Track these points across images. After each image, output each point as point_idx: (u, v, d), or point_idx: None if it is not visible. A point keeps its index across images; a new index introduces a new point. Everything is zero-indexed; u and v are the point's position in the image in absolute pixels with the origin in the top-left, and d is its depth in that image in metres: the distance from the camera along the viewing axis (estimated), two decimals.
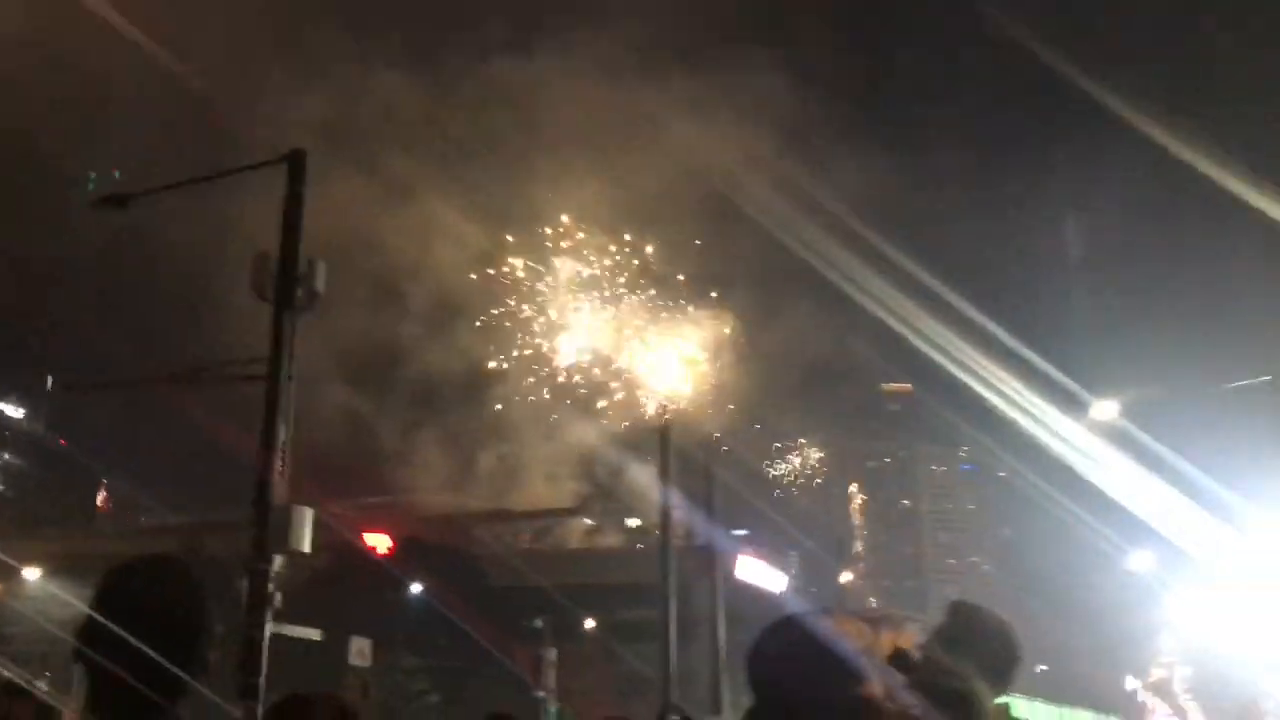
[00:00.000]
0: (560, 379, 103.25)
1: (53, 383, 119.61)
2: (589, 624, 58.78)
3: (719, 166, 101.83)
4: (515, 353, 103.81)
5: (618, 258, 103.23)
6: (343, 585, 50.55)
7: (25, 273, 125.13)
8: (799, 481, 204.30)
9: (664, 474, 30.16)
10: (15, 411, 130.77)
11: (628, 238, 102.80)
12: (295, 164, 16.42)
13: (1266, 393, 25.94)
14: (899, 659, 3.19)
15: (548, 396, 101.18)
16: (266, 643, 14.35)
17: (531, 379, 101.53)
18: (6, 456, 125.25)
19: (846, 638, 2.38)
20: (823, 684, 2.29)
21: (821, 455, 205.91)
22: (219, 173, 18.00)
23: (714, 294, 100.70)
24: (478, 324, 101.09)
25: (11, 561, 50.13)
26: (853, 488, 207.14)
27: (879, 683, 2.39)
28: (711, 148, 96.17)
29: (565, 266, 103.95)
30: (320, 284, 16.15)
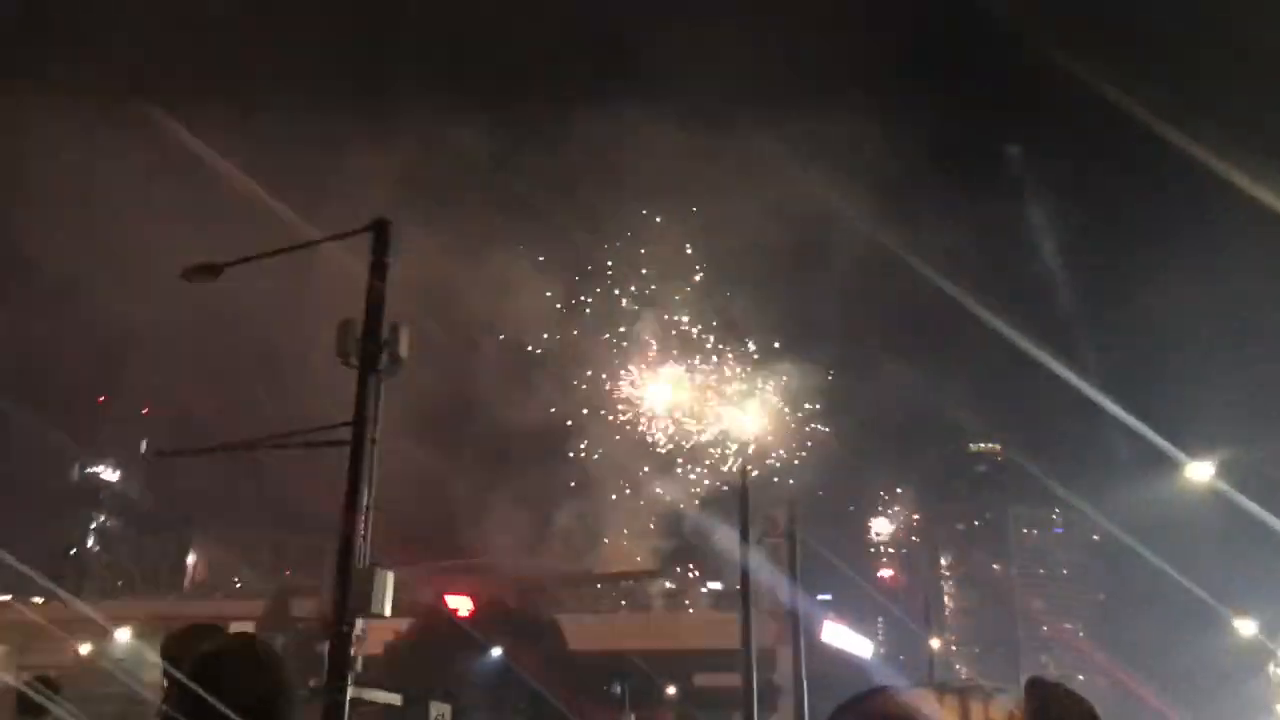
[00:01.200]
0: (645, 434, 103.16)
1: (147, 447, 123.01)
2: (669, 690, 58.05)
3: (810, 219, 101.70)
4: (601, 411, 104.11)
5: (704, 313, 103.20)
6: (423, 647, 50.66)
7: (120, 342, 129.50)
8: (889, 544, 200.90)
9: (744, 532, 29.77)
10: (111, 475, 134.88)
11: (713, 293, 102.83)
12: (380, 233, 16.75)
13: None
14: None
15: (630, 452, 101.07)
16: (347, 707, 14.38)
17: (617, 435, 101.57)
18: (104, 519, 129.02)
19: (925, 714, 2.27)
20: None
21: (912, 517, 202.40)
22: (307, 242, 18.41)
23: (802, 351, 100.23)
24: (573, 380, 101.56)
25: (103, 621, 51.27)
26: (942, 551, 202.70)
27: None
28: (802, 201, 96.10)
29: (649, 322, 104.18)
30: (404, 349, 16.35)
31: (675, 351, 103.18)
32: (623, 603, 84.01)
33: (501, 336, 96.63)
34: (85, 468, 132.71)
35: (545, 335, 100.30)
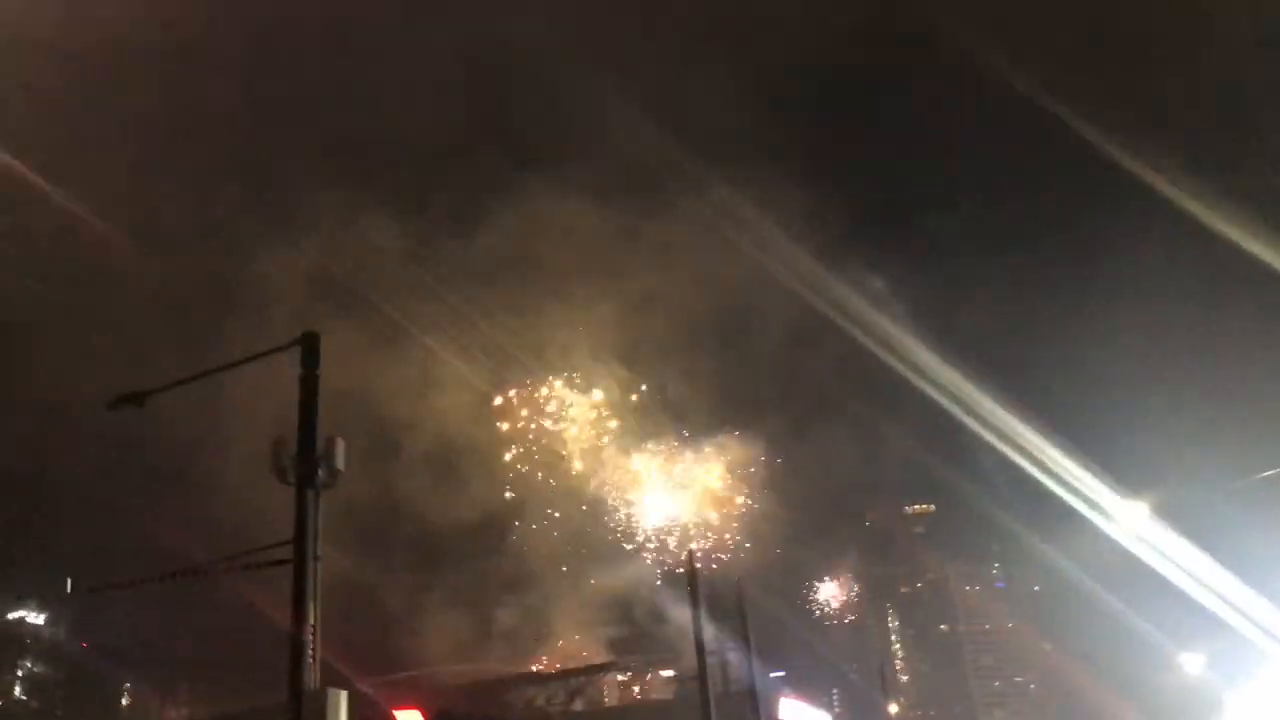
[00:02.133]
0: (584, 523, 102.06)
1: (72, 586, 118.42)
2: None
3: (735, 289, 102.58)
4: (541, 493, 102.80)
5: (633, 397, 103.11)
6: None
7: (34, 477, 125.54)
8: (835, 614, 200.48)
9: (695, 608, 29.61)
10: (36, 618, 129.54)
11: (640, 380, 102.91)
12: (309, 346, 16.64)
13: None
14: None
15: (572, 539, 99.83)
16: None
17: (554, 532, 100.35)
18: (30, 665, 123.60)
19: None
20: None
21: (854, 587, 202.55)
22: (234, 362, 18.18)
23: (735, 432, 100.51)
24: (508, 462, 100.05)
25: None
26: (889, 615, 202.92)
27: None
28: (727, 272, 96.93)
29: (580, 407, 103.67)
30: (340, 461, 16.15)
31: (613, 435, 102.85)
32: (576, 699, 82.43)
33: (428, 435, 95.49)
34: (6, 613, 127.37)
35: (475, 425, 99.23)
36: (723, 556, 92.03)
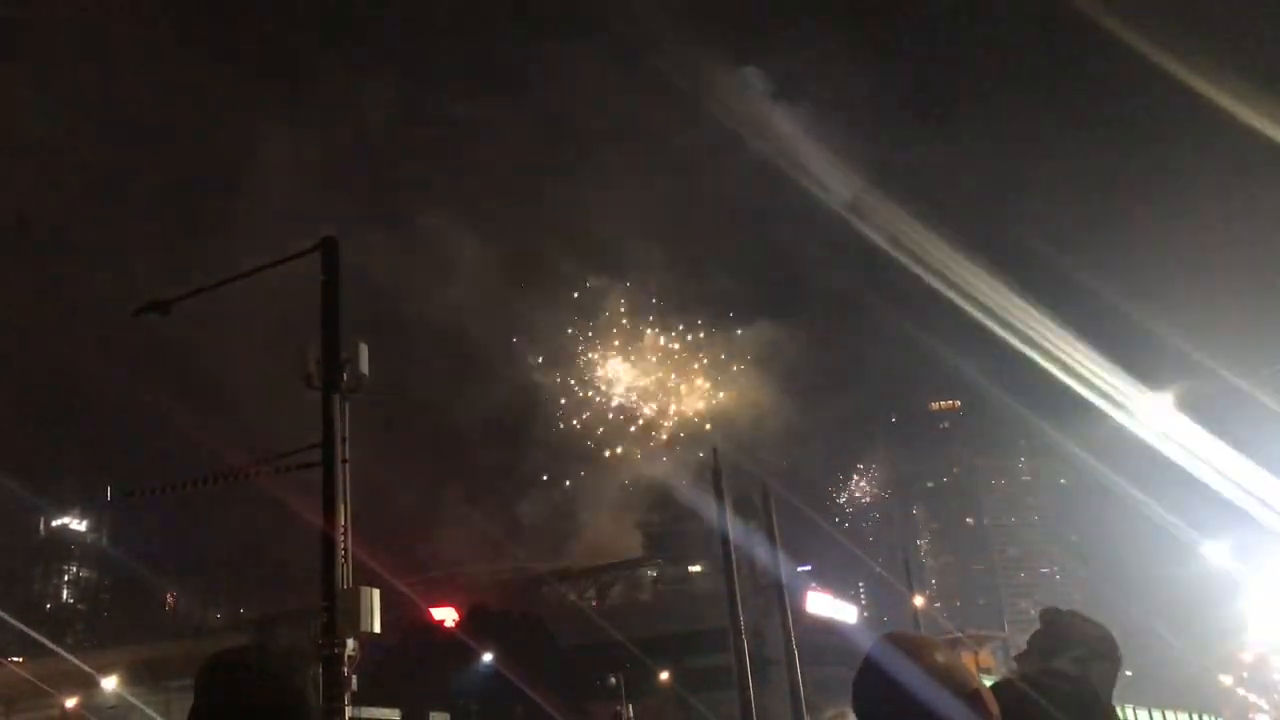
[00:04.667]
0: (613, 412, 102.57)
1: (111, 492, 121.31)
2: (663, 675, 58.30)
3: (764, 177, 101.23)
4: (570, 381, 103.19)
5: (666, 285, 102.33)
6: (416, 661, 50.54)
7: (69, 387, 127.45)
8: (862, 509, 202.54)
9: (720, 506, 29.89)
10: (79, 525, 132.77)
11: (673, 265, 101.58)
12: (329, 251, 16.62)
13: None
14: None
15: (599, 429, 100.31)
16: None
17: (586, 413, 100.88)
18: (76, 570, 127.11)
19: (928, 662, 2.37)
20: (939, 699, 2.29)
21: (881, 482, 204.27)
22: (256, 268, 18.17)
23: (766, 317, 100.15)
24: (535, 358, 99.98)
25: (90, 671, 50.64)
26: (915, 510, 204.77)
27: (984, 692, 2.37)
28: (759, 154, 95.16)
29: (611, 297, 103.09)
30: (364, 366, 16.25)
31: (625, 330, 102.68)
32: (607, 594, 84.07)
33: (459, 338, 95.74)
34: (51, 520, 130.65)
35: (493, 315, 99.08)
36: (752, 452, 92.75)
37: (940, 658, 2.35)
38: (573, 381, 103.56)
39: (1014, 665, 3.96)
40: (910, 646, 2.37)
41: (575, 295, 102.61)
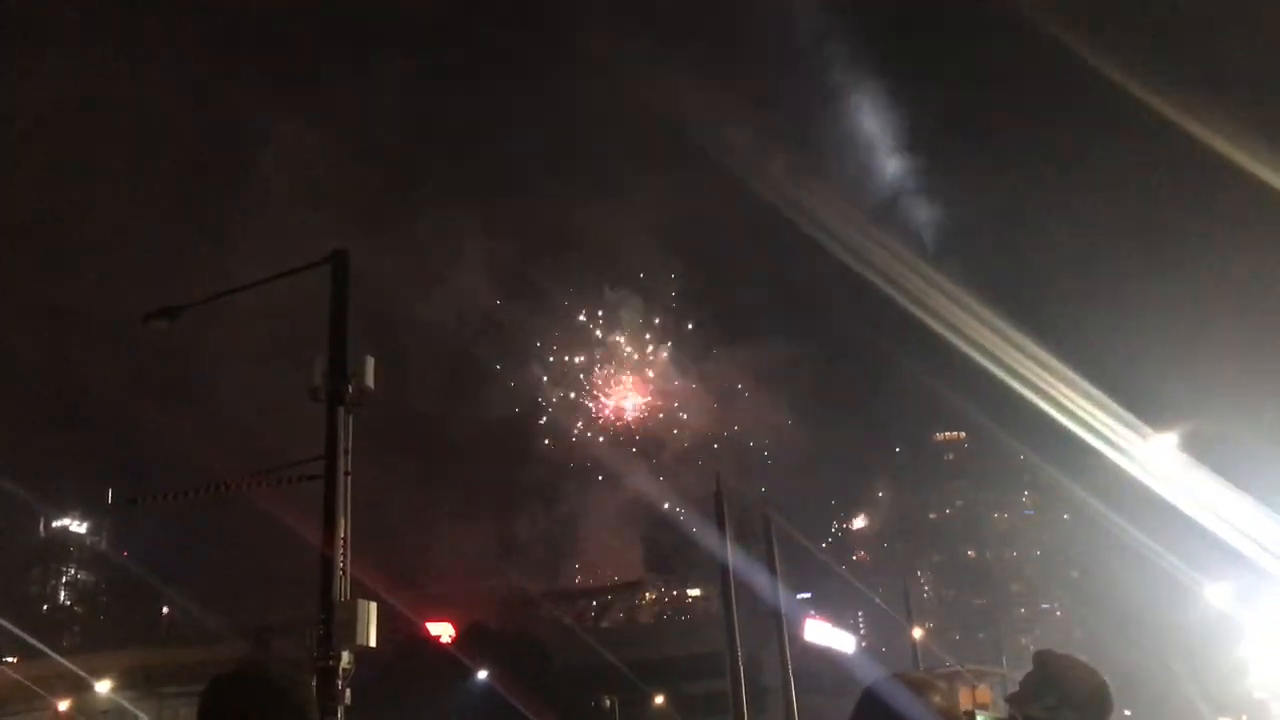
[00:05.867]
0: (615, 434, 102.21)
1: (113, 496, 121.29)
2: (658, 699, 58.03)
3: (765, 190, 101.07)
4: (572, 394, 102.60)
5: (671, 302, 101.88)
6: (411, 676, 50.35)
7: (77, 392, 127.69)
8: (863, 539, 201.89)
9: (722, 532, 29.82)
10: (79, 527, 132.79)
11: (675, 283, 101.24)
12: (339, 264, 16.69)
13: None
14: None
15: (600, 449, 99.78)
16: None
17: (585, 429, 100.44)
18: (74, 573, 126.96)
19: (928, 701, 2.37)
20: None
21: (883, 513, 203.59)
22: (263, 279, 18.28)
23: (774, 342, 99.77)
24: (539, 369, 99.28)
25: (84, 675, 50.52)
26: (916, 541, 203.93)
27: None
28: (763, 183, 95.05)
29: (618, 308, 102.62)
30: (370, 380, 16.30)
31: (638, 343, 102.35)
32: (605, 615, 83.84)
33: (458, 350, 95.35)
34: (51, 521, 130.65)
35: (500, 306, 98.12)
36: (755, 478, 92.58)
37: (938, 699, 2.35)
38: (579, 396, 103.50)
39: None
40: (911, 687, 2.37)
41: (579, 318, 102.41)
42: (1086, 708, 3.85)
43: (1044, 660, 4.01)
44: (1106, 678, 4.06)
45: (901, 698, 2.35)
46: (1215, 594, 44.89)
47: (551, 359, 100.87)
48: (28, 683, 50.68)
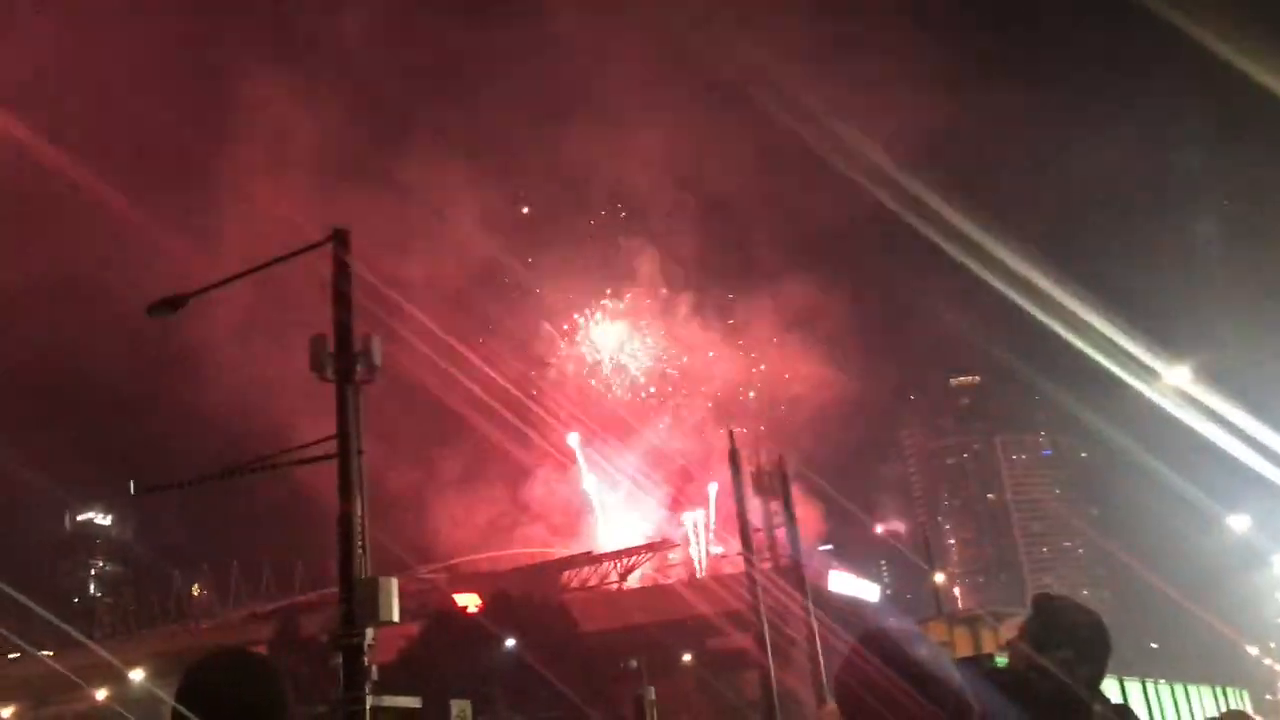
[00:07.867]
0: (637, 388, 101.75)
1: (134, 487, 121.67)
2: (685, 658, 58.39)
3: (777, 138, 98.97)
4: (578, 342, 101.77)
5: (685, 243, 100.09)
6: (438, 649, 50.73)
7: (90, 386, 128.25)
8: (883, 487, 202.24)
9: (738, 489, 29.87)
10: (104, 519, 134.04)
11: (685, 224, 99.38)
12: (340, 242, 16.62)
13: None
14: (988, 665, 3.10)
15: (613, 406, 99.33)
16: (368, 716, 14.42)
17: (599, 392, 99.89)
18: (101, 564, 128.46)
19: (923, 650, 2.31)
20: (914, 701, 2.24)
21: (901, 459, 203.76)
22: (267, 262, 18.19)
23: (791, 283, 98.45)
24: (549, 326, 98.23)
25: (117, 664, 51.06)
26: (935, 486, 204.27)
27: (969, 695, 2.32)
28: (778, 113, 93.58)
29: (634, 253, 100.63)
30: (377, 357, 16.25)
31: (657, 293, 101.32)
32: (630, 578, 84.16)
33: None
34: (77, 515, 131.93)
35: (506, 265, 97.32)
36: (774, 430, 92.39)
37: (924, 652, 2.29)
38: (596, 350, 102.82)
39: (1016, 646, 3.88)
40: (893, 641, 2.32)
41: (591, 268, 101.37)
42: (1100, 657, 3.77)
43: (1044, 604, 3.94)
44: (1128, 613, 4.02)
45: (882, 655, 2.29)
46: (1237, 523, 44.87)
47: (564, 313, 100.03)
48: (68, 673, 51.24)
